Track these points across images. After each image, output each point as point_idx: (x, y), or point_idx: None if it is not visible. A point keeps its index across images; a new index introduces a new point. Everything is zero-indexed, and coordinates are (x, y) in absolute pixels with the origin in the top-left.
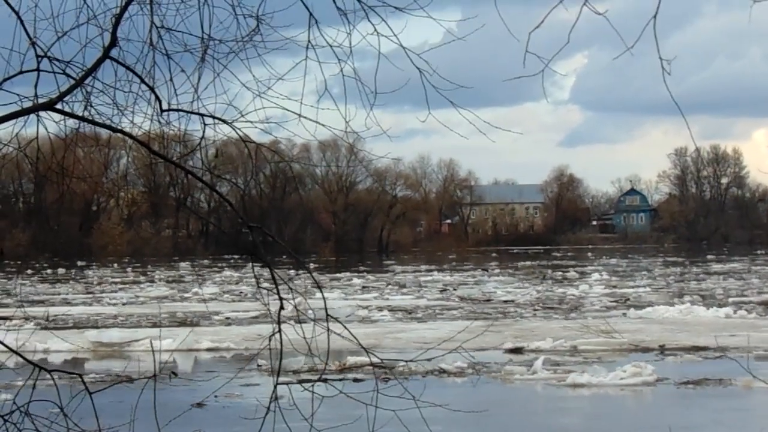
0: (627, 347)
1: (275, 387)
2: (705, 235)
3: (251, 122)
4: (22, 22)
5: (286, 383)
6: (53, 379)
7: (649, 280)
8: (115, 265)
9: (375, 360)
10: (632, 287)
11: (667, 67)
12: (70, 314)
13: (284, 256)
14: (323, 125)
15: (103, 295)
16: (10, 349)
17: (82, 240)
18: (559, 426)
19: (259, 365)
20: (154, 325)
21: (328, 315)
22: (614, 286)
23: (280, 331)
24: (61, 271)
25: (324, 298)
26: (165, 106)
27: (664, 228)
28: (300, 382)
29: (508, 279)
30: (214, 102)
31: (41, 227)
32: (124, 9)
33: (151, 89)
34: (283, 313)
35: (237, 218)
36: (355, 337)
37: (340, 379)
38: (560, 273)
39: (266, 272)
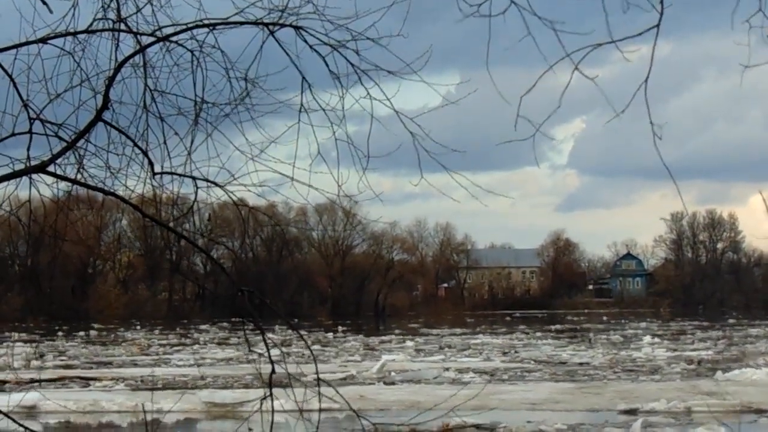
0: (740, 408)
1: None
2: (701, 300)
3: (244, 185)
4: (15, 84)
5: None
6: None
7: (702, 343)
8: (138, 327)
9: (366, 423)
10: (693, 350)
11: (658, 132)
12: (156, 375)
13: (295, 320)
14: (316, 189)
15: (167, 357)
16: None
17: (78, 303)
18: None
19: (250, 429)
20: (246, 386)
21: (319, 379)
22: (675, 349)
23: (272, 395)
24: (93, 333)
25: (315, 361)
26: (157, 169)
27: (659, 292)
28: None
29: (558, 342)
30: (207, 165)
31: (36, 290)
32: (116, 71)
33: (144, 152)
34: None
35: (232, 283)
36: (347, 402)
37: None
38: (604, 336)
39: (276, 334)
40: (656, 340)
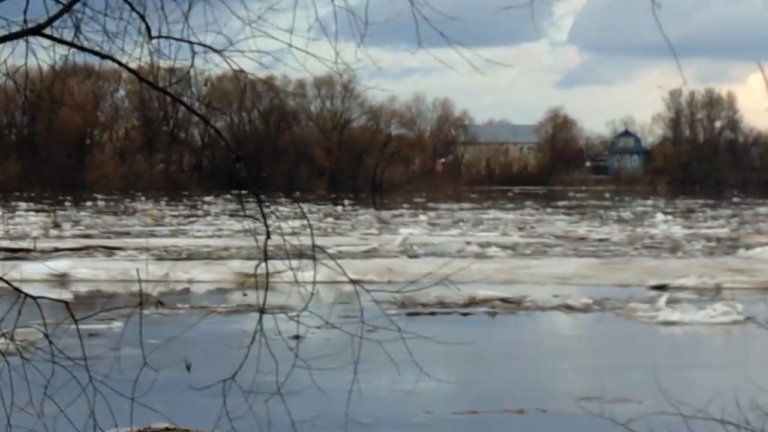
0: None
1: (260, 317)
2: (698, 178)
3: (242, 52)
4: None
5: (272, 313)
6: (39, 306)
7: (714, 221)
8: (143, 198)
9: (375, 295)
10: (708, 227)
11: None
12: (179, 246)
13: (297, 193)
14: (314, 56)
15: (183, 228)
16: None
17: (75, 173)
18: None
19: (244, 294)
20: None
21: (314, 246)
22: (689, 227)
23: (266, 261)
24: (101, 203)
25: (312, 231)
26: (155, 34)
27: (657, 170)
28: (284, 312)
29: (570, 218)
30: (205, 31)
31: (33, 159)
32: None
33: (141, 17)
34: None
35: (229, 151)
36: (345, 272)
37: (444, 313)
38: (614, 213)
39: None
40: (669, 217)
